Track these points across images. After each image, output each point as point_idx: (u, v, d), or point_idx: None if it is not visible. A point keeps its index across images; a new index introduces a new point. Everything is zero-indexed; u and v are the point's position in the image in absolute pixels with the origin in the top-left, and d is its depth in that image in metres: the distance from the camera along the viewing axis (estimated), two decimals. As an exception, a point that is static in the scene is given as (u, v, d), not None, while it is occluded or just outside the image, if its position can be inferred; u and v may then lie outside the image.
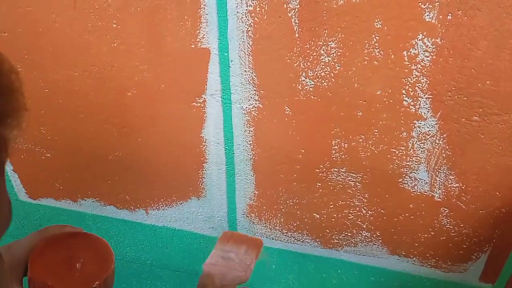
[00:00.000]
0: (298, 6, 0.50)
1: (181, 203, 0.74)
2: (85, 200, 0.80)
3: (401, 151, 0.57)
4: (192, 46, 0.57)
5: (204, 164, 0.68)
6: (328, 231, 0.67)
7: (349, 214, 0.64)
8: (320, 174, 0.62)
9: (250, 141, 0.62)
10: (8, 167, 0.81)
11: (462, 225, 0.60)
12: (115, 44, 0.59)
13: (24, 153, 0.78)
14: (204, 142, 0.65)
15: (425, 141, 0.55)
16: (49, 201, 0.84)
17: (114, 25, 0.58)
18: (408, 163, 0.57)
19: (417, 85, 0.51)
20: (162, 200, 0.74)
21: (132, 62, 0.60)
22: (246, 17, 0.52)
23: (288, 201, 0.66)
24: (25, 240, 0.40)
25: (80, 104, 0.67)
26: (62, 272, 0.39)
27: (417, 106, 0.53)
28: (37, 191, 0.84)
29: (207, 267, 0.58)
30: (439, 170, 0.57)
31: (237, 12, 0.53)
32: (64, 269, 0.39)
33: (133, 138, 0.68)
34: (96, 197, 0.79)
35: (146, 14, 0.56)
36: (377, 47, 0.50)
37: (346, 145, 0.58)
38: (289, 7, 0.50)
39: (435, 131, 0.54)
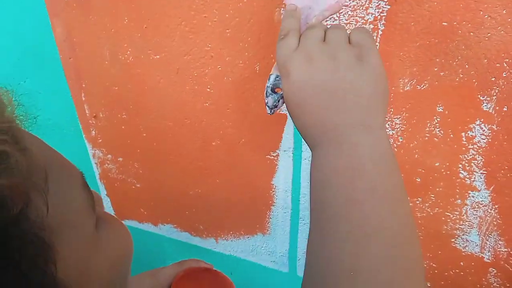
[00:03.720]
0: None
1: (248, 237, 0.83)
2: (164, 225, 0.92)
3: (455, 215, 0.63)
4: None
5: (272, 207, 0.77)
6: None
7: (402, 265, 0.70)
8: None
9: (316, 192, 0.71)
10: (102, 192, 0.95)
11: (508, 284, 0.65)
12: (207, 104, 0.70)
13: (117, 182, 0.90)
14: (274, 189, 0.74)
15: (478, 209, 0.61)
16: (133, 222, 0.96)
17: (208, 90, 0.68)
18: (461, 226, 0.63)
19: (473, 161, 0.57)
20: (231, 232, 0.84)
21: (219, 119, 0.71)
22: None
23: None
24: (169, 269, 0.50)
25: (171, 147, 0.78)
26: None
27: (472, 179, 0.59)
28: (124, 213, 0.96)
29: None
30: (490, 235, 0.62)
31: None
32: None
33: (213, 179, 0.78)
34: (174, 224, 0.90)
35: (235, 84, 0.66)
36: (438, 127, 0.57)
37: (403, 205, 0.65)
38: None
39: (488, 202, 0.60)
